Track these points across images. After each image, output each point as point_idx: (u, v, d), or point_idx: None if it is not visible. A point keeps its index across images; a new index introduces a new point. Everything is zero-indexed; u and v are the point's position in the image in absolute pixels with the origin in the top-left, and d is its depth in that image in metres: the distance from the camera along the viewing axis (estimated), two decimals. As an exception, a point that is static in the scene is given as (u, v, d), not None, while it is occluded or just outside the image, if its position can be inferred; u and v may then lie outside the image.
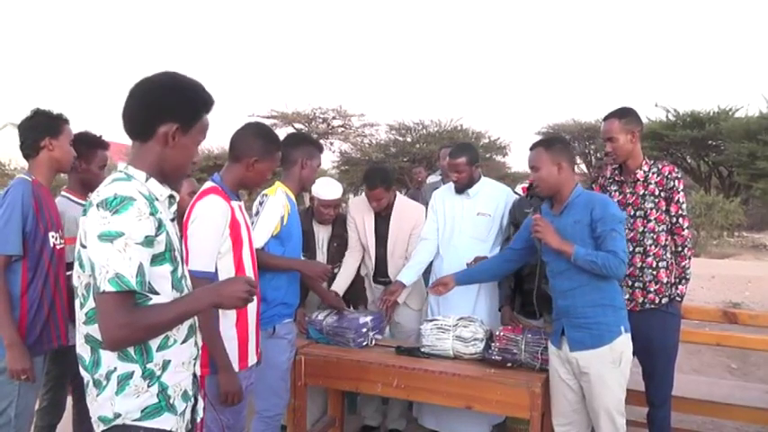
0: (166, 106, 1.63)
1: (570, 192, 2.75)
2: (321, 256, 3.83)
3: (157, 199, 1.63)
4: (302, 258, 3.24)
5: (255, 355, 2.46)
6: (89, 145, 2.94)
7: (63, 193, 2.99)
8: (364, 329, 3.33)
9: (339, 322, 3.35)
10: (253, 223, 2.76)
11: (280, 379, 2.87)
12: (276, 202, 2.83)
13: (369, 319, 3.38)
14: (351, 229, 3.87)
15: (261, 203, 2.85)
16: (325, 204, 3.70)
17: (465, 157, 3.60)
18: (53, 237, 2.61)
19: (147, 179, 1.63)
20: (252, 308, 2.41)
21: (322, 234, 3.87)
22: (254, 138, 2.48)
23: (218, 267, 2.29)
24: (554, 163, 2.73)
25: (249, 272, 2.40)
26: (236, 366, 2.33)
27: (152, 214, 1.55)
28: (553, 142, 2.82)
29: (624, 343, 2.69)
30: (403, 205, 3.86)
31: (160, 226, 1.58)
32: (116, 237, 1.48)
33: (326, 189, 3.65)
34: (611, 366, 2.66)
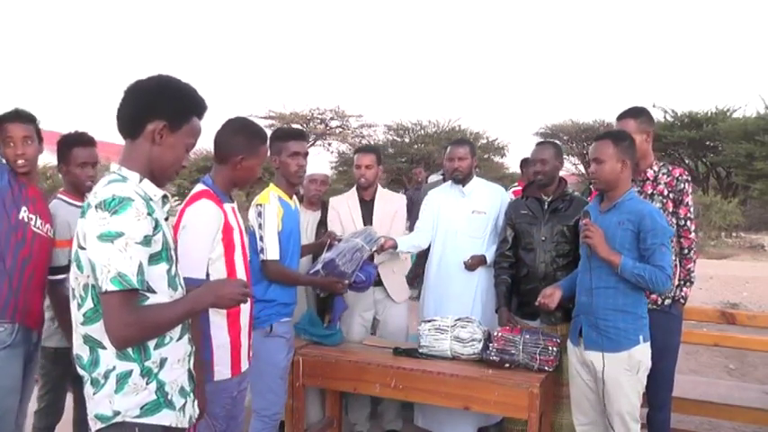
0: (155, 104, 1.68)
1: (624, 192, 2.70)
2: (307, 242, 3.66)
3: (152, 199, 1.67)
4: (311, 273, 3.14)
5: (247, 360, 2.43)
6: (66, 145, 2.87)
7: (58, 195, 2.96)
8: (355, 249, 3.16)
9: (330, 264, 3.09)
10: (261, 237, 2.77)
11: (278, 377, 2.87)
12: (272, 211, 2.81)
13: (359, 239, 3.21)
14: (334, 224, 3.72)
15: (259, 214, 2.80)
16: (312, 179, 3.65)
17: (467, 147, 3.77)
18: (25, 211, 2.51)
19: (140, 180, 1.68)
20: (245, 313, 2.39)
21: (309, 220, 3.79)
22: (234, 135, 2.38)
23: (210, 272, 2.24)
24: (619, 159, 2.66)
25: (242, 276, 2.36)
26: (228, 373, 2.30)
27: (149, 214, 1.59)
28: (623, 137, 2.73)
29: (642, 352, 2.67)
30: (385, 193, 3.90)
31: (156, 225, 1.62)
32: (116, 237, 1.51)
33: (312, 162, 3.40)
34: (628, 373, 2.64)
